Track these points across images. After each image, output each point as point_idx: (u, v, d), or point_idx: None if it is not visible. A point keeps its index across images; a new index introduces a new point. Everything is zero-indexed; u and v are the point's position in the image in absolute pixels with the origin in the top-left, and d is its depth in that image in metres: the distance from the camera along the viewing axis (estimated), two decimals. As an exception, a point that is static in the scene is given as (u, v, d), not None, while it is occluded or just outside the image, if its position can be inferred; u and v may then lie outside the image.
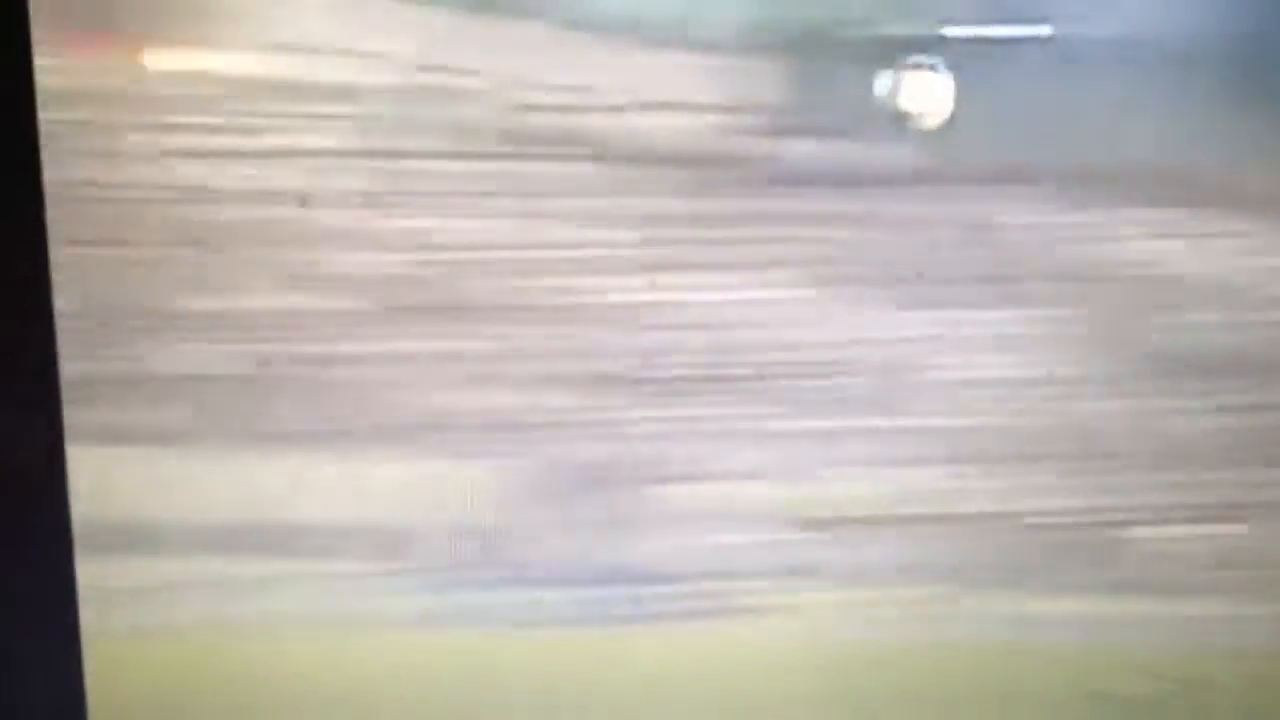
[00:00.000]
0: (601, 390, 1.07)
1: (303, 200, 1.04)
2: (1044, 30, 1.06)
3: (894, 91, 1.05)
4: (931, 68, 1.04)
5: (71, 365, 1.01)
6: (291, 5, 1.01)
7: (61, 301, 1.00)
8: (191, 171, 1.01)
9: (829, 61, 1.05)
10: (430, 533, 1.08)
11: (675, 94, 1.04)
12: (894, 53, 1.05)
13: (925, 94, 1.05)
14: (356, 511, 1.07)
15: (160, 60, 1.00)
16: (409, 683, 1.09)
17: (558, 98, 1.03)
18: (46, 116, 0.98)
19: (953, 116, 1.06)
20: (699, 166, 1.05)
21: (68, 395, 1.01)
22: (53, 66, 0.98)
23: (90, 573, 1.03)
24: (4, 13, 0.96)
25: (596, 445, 1.08)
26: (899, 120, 1.06)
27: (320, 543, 1.07)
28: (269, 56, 1.01)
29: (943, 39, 1.05)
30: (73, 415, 1.01)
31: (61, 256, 1.00)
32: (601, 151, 1.04)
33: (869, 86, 1.05)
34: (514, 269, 1.05)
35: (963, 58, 1.05)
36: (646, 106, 1.04)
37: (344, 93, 1.02)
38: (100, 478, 1.04)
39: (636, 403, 1.08)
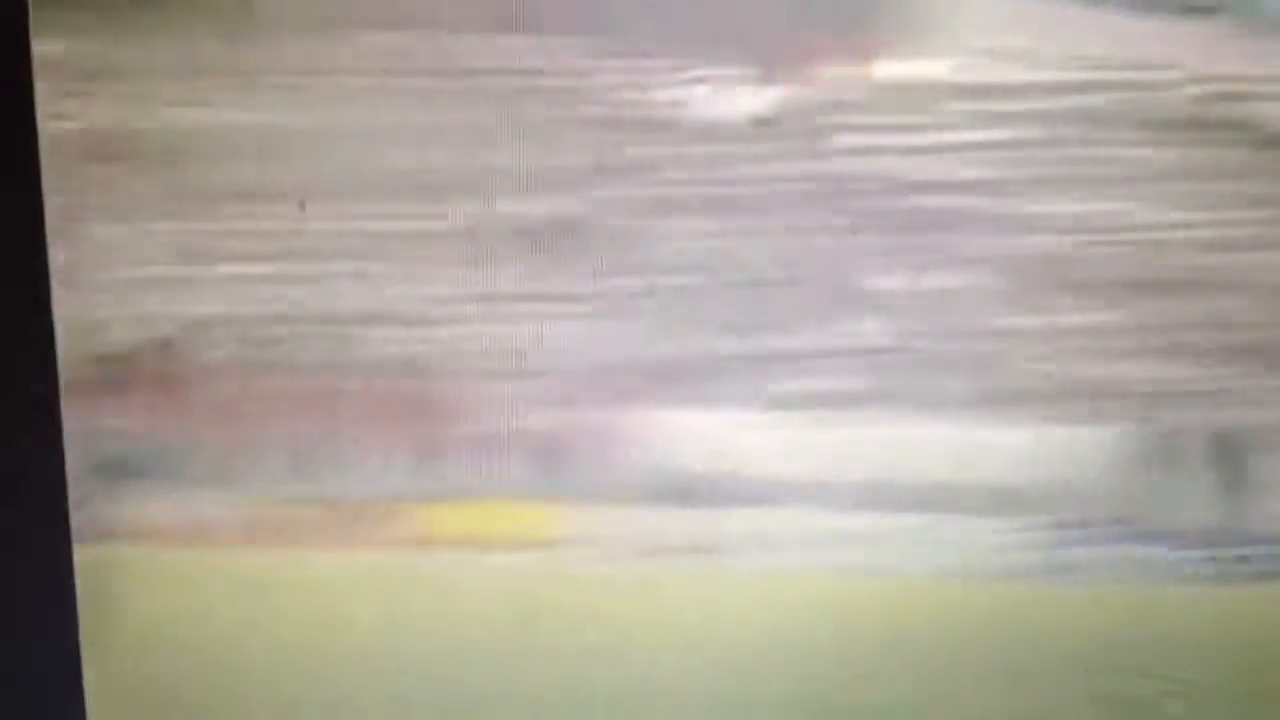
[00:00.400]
0: (1228, 360, 1.13)
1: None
2: None
3: None
4: None
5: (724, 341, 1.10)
6: (980, 15, 1.09)
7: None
8: (876, 163, 1.10)
9: None
10: (1060, 492, 1.14)
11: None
12: None
13: None
14: (983, 471, 1.13)
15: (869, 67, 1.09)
16: (1015, 627, 1.16)
17: (1216, 86, 1.09)
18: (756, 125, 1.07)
19: None
20: None
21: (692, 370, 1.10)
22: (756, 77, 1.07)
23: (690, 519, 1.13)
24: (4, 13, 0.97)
25: (1223, 412, 1.13)
26: None
27: (948, 498, 1.14)
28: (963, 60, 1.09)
29: None
30: (669, 388, 1.11)
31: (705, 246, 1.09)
32: (1249, 136, 1.10)
33: None
34: (1147, 246, 1.11)
35: None
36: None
37: (1016, 91, 1.09)
38: (718, 441, 1.12)
39: (1262, 371, 1.13)
